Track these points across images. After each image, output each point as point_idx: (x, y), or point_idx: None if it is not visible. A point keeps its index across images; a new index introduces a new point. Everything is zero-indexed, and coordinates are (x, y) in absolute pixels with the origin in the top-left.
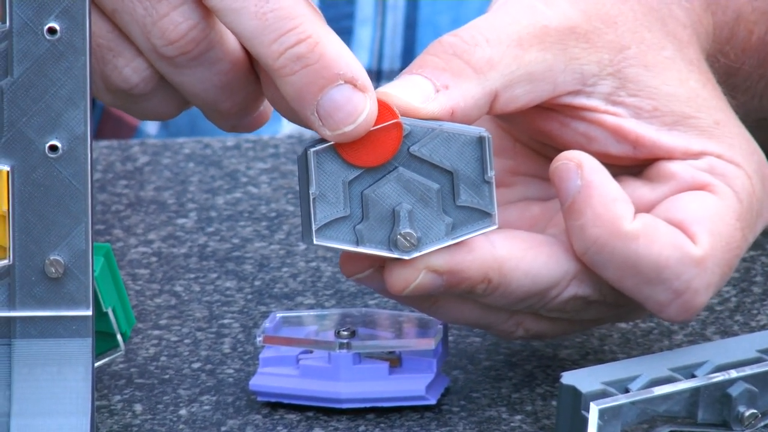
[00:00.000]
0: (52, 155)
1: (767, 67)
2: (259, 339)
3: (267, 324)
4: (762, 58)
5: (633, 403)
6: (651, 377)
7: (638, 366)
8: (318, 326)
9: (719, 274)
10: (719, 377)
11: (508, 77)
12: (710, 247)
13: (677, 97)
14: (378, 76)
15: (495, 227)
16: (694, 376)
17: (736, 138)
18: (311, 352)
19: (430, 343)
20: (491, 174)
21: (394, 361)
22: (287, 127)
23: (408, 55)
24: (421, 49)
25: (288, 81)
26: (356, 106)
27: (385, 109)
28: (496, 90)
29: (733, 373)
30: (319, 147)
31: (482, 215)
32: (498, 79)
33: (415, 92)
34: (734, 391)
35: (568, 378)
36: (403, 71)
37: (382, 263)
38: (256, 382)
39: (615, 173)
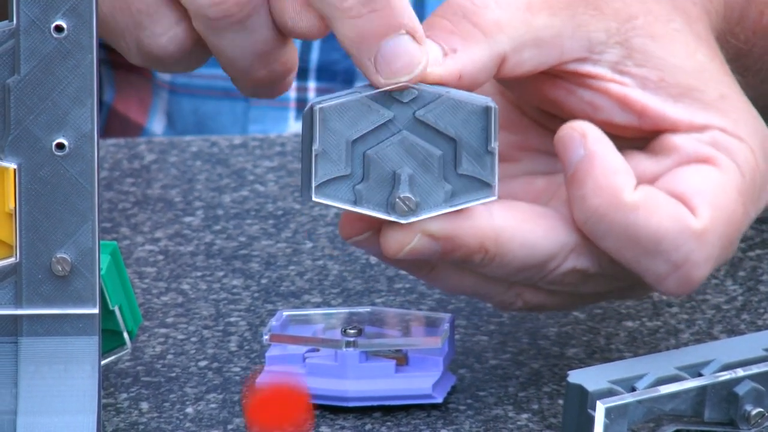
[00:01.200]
0: (59, 153)
1: None
2: (265, 337)
3: (273, 322)
4: None
5: (639, 401)
6: (657, 376)
7: (645, 365)
8: (324, 324)
9: (719, 248)
10: (726, 376)
11: (516, 41)
12: (710, 221)
13: (684, 69)
14: None
15: (494, 198)
16: (700, 375)
17: (742, 113)
18: (318, 350)
19: (437, 342)
20: (494, 145)
21: (401, 359)
22: (294, 126)
23: None
24: None
25: (352, 23)
26: (414, 57)
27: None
28: (504, 53)
29: (740, 372)
30: (324, 104)
31: (482, 185)
32: (506, 43)
33: None
34: (741, 389)
35: (575, 377)
36: None
37: (379, 227)
38: (263, 380)
39: (620, 146)
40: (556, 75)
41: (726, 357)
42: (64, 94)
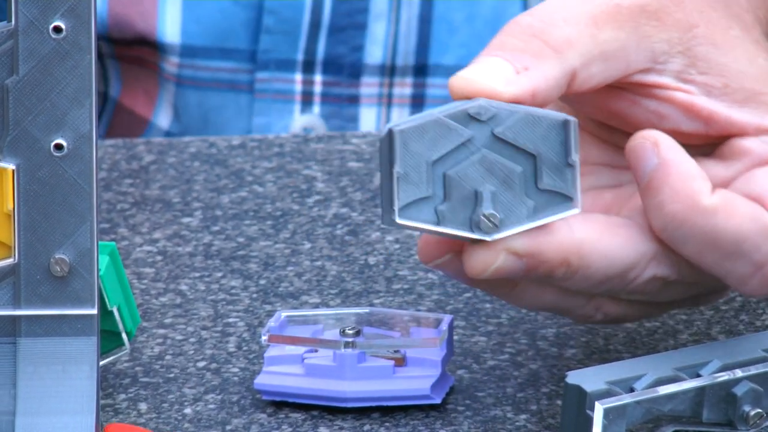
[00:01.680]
0: (57, 154)
1: None
2: (264, 338)
3: (272, 323)
4: None
5: (638, 402)
6: (656, 377)
7: (643, 365)
8: (323, 325)
9: None
10: (724, 377)
11: (585, 56)
12: None
13: (747, 75)
14: (392, 71)
15: (577, 211)
16: (699, 376)
17: None
18: (316, 350)
19: (435, 342)
20: (575, 157)
21: (399, 360)
22: (299, 120)
23: (422, 50)
24: (435, 45)
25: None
26: None
27: None
28: (574, 69)
29: (738, 373)
30: (404, 126)
31: (564, 199)
32: (576, 59)
33: (497, 75)
34: (739, 390)
35: (573, 377)
36: (482, 53)
37: (459, 249)
38: (261, 381)
39: (689, 154)
40: (621, 87)
41: (724, 358)
42: (62, 94)
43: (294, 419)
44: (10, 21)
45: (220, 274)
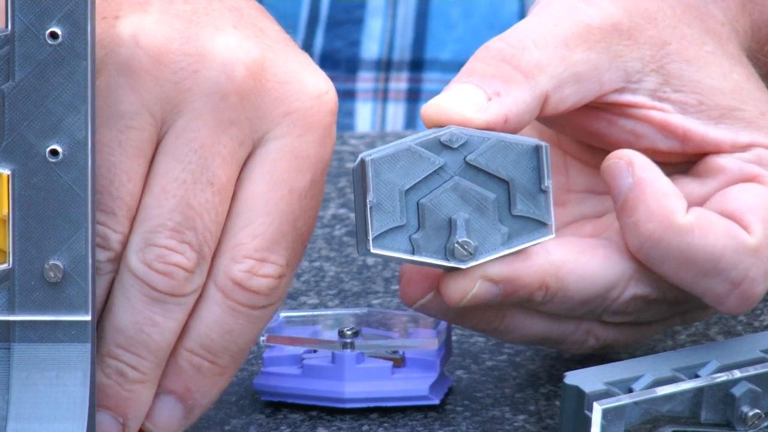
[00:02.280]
0: (52, 160)
1: None
2: (263, 338)
3: (271, 324)
4: None
5: (636, 403)
6: (654, 377)
7: (641, 366)
8: (322, 326)
9: None
10: (722, 377)
11: (556, 79)
12: (765, 236)
13: (722, 90)
14: (388, 66)
15: (552, 237)
16: (697, 376)
17: None
18: (315, 351)
19: (433, 343)
20: (548, 183)
21: (398, 360)
22: None
23: (418, 45)
24: (432, 40)
25: None
26: None
27: None
28: (546, 92)
29: (737, 374)
30: (375, 155)
31: (538, 225)
32: (548, 82)
33: (468, 102)
34: (737, 391)
35: (572, 378)
36: (453, 80)
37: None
38: (260, 381)
39: (665, 172)
40: (597, 107)
41: (723, 358)
42: (58, 100)
43: (293, 419)
44: (7, 26)
45: None
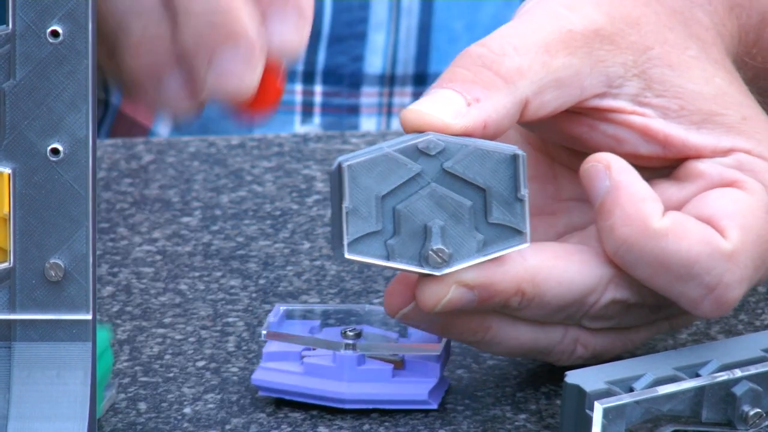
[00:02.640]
0: (53, 158)
1: None
2: (264, 333)
3: (271, 318)
4: None
5: (637, 402)
6: (655, 376)
7: (642, 365)
8: (321, 321)
9: (752, 268)
10: (723, 376)
11: (537, 84)
12: (740, 241)
13: (703, 96)
14: (392, 80)
15: (527, 245)
16: (698, 376)
17: (764, 132)
18: (314, 348)
19: (437, 348)
20: (524, 192)
21: (398, 363)
22: (299, 130)
23: (422, 59)
24: (435, 53)
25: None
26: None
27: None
28: (526, 98)
29: (738, 373)
30: (353, 161)
31: (514, 233)
32: (528, 87)
33: (447, 108)
34: (738, 390)
35: (573, 377)
36: (433, 85)
37: None
38: (259, 377)
39: (646, 176)
40: (578, 112)
41: (724, 357)
42: (59, 99)
43: (293, 419)
44: (8, 25)
45: (219, 274)
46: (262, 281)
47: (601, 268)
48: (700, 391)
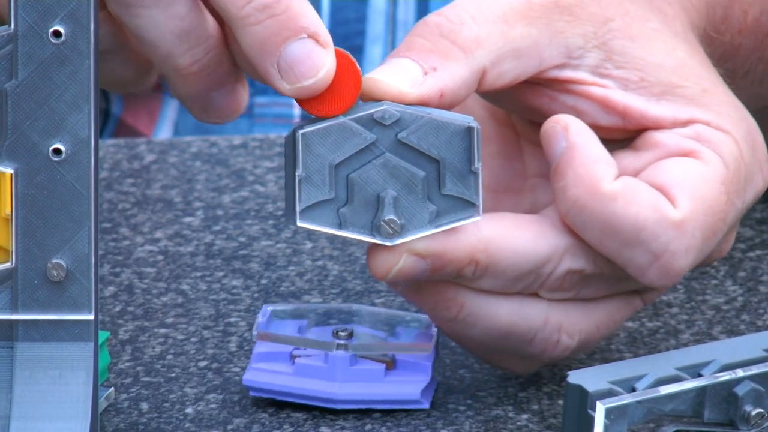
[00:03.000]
0: (55, 158)
1: (764, 50)
2: (254, 334)
3: (260, 318)
4: (759, 40)
5: (639, 402)
6: (657, 376)
7: (645, 365)
8: (308, 321)
9: (700, 238)
10: (725, 376)
11: (495, 54)
12: (690, 211)
13: (664, 67)
14: None
15: (479, 218)
16: (700, 376)
17: (724, 105)
18: (304, 348)
19: (428, 347)
20: (478, 165)
21: (389, 363)
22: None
23: None
24: None
25: (251, 31)
26: (317, 61)
27: (345, 60)
28: (484, 67)
29: (740, 373)
30: (307, 129)
31: (467, 205)
32: (485, 57)
33: (403, 77)
34: (741, 390)
35: (575, 377)
36: (391, 54)
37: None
38: (250, 378)
39: (610, 148)
40: (538, 83)
41: (726, 357)
42: (61, 99)
43: (295, 419)
44: (10, 25)
45: (221, 274)
46: (264, 281)
47: (557, 238)
48: (702, 391)
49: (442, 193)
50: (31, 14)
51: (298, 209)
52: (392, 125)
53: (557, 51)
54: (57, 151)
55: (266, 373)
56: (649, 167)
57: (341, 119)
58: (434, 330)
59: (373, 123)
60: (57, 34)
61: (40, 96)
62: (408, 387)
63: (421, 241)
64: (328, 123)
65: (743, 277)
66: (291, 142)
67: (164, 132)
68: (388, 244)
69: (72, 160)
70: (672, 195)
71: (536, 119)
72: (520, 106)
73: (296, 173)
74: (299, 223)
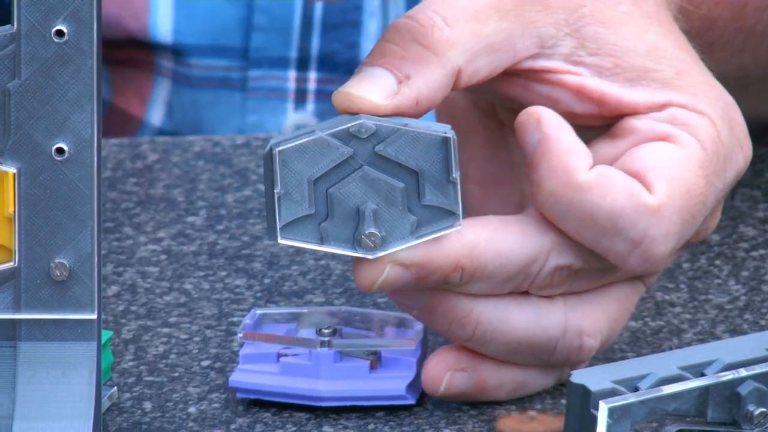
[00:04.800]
0: (58, 158)
1: (743, 21)
2: (239, 335)
3: (247, 321)
4: (736, 12)
5: (642, 401)
6: (660, 376)
7: (648, 365)
8: (297, 323)
9: (679, 222)
10: (729, 376)
11: (469, 53)
12: (667, 196)
13: (636, 52)
14: None
15: (460, 227)
16: (703, 375)
17: (700, 86)
18: (291, 347)
19: (411, 344)
20: (456, 175)
21: (374, 361)
22: (292, 117)
23: None
24: None
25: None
26: None
27: None
28: (458, 68)
29: (743, 372)
30: (284, 146)
31: (447, 214)
32: (459, 57)
33: (377, 88)
34: (744, 389)
35: (578, 376)
36: (365, 62)
37: None
38: (236, 379)
39: (586, 137)
40: (512, 74)
41: (729, 357)
42: (64, 99)
43: (298, 418)
44: (13, 24)
45: (224, 273)
46: (267, 281)
47: (541, 236)
48: (705, 390)
49: (422, 204)
50: (34, 14)
51: (278, 226)
52: (369, 138)
53: (530, 42)
54: (60, 151)
55: (252, 373)
56: (626, 154)
57: (318, 134)
58: (419, 327)
59: (349, 137)
60: (60, 33)
61: (43, 95)
62: (393, 383)
63: (405, 251)
64: (305, 139)
65: (746, 277)
66: (268, 159)
67: (157, 113)
68: (369, 257)
69: (75, 159)
70: (648, 181)
71: (516, 108)
72: (497, 97)
73: (275, 190)
74: (281, 240)
